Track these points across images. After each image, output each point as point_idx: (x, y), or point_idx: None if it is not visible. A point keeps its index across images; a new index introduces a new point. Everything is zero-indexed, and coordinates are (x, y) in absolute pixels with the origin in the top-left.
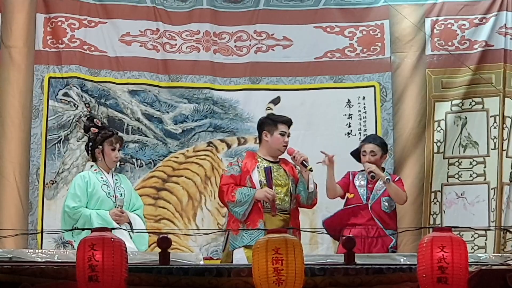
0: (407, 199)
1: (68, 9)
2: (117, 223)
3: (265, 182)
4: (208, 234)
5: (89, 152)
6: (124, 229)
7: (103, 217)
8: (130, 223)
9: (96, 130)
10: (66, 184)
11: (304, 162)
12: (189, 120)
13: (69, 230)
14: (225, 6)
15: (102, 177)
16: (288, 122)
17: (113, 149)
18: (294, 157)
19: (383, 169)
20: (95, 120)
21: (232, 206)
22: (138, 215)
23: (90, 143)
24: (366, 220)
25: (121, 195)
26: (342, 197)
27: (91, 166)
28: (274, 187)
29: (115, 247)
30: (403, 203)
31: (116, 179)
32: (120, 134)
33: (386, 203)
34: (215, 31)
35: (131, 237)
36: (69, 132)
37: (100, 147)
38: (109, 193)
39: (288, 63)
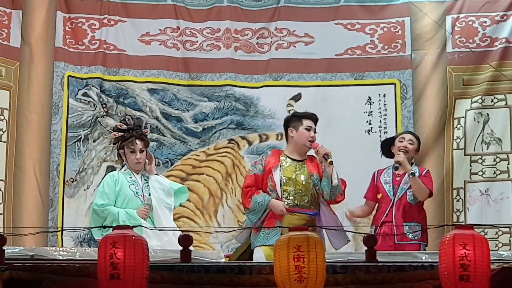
0: (430, 195)
1: (88, 10)
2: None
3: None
4: (229, 231)
5: (118, 155)
6: (147, 227)
7: (131, 215)
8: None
9: (119, 134)
10: (83, 183)
11: (325, 155)
12: (210, 118)
13: (90, 228)
14: (246, 4)
15: (131, 177)
16: (313, 117)
17: (133, 151)
18: (317, 150)
19: (412, 164)
20: (119, 124)
21: (247, 212)
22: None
23: (116, 147)
24: (393, 217)
25: (149, 195)
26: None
27: (107, 166)
28: (294, 185)
29: (136, 245)
30: (424, 199)
31: (145, 179)
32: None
33: (412, 196)
34: (236, 28)
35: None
36: (88, 132)
37: (122, 150)
38: (137, 192)
39: (309, 60)
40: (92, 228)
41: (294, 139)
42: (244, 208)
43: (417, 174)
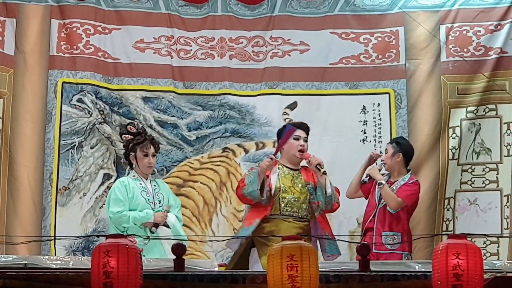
0: (400, 206)
1: (83, 15)
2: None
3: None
4: (223, 240)
5: (126, 158)
6: (140, 236)
7: (147, 217)
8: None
9: (130, 137)
10: (78, 191)
11: (318, 165)
12: (204, 127)
13: (82, 237)
14: (241, 13)
15: (141, 184)
16: (301, 126)
17: (146, 155)
18: (309, 161)
19: (407, 167)
20: (128, 126)
21: (245, 190)
22: (176, 215)
23: (125, 150)
24: (374, 226)
25: (159, 202)
26: (365, 198)
27: (104, 174)
28: (292, 193)
29: (130, 253)
30: (395, 209)
31: (155, 185)
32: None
33: None
34: (231, 37)
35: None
36: (83, 139)
37: (133, 153)
38: (148, 199)
39: (304, 68)
40: (83, 237)
41: (285, 150)
42: (243, 189)
43: (402, 182)
